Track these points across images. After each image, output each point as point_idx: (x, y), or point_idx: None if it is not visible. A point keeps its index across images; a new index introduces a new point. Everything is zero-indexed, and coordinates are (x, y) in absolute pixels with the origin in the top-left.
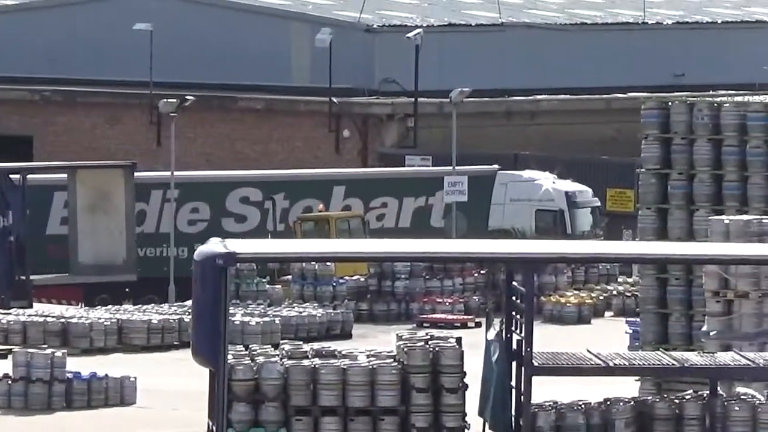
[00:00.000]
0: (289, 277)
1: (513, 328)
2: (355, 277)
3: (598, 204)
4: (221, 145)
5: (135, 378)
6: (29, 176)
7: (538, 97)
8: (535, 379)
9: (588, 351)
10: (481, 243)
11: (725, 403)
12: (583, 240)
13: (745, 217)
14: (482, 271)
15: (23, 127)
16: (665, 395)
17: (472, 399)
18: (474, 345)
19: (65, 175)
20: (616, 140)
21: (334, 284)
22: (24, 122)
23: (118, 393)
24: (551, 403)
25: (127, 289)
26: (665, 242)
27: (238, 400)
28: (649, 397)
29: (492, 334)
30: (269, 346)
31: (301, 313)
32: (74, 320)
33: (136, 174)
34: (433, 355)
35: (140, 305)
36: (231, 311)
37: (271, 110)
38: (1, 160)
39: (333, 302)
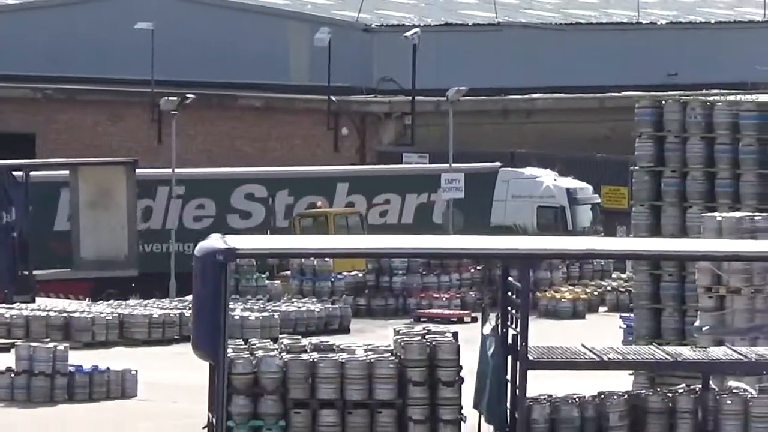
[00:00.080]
0: (288, 272)
1: (509, 323)
2: (353, 273)
3: (598, 201)
4: (221, 143)
5: (136, 371)
6: (37, 173)
7: (534, 95)
8: (530, 373)
9: (582, 345)
10: (477, 239)
11: (717, 397)
12: (584, 236)
13: (737, 214)
14: (479, 267)
15: (26, 125)
16: (658, 389)
17: (468, 392)
18: (470, 340)
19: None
20: (611, 138)
21: (333, 280)
22: (27, 120)
23: (119, 386)
24: (546, 396)
25: (133, 284)
26: (659, 239)
27: (238, 393)
28: (643, 391)
29: (488, 329)
30: (268, 340)
31: (299, 308)
32: (76, 314)
33: (143, 171)
34: (430, 350)
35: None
36: (231, 306)
37: (270, 108)
38: (4, 158)
39: (331, 297)
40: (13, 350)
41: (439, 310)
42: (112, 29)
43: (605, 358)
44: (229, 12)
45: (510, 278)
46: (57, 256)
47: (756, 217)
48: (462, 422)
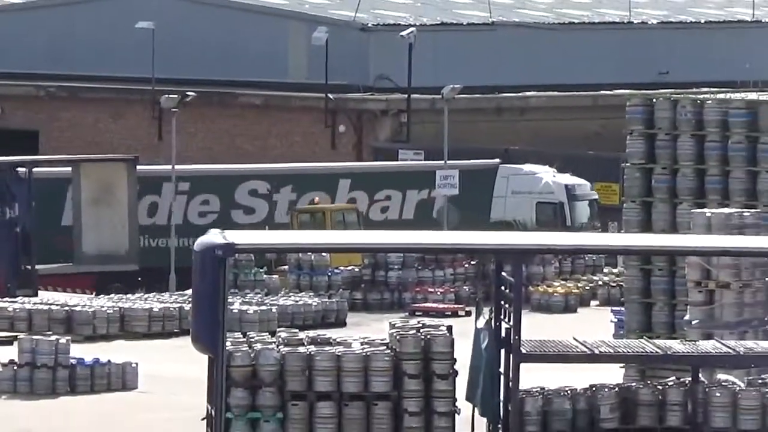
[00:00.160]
0: (286, 267)
1: (502, 317)
2: (349, 268)
3: (596, 197)
4: (221, 140)
5: (137, 364)
6: (44, 170)
7: (528, 93)
8: (523, 366)
9: (574, 339)
10: (471, 234)
11: (707, 390)
12: (582, 231)
13: (726, 210)
14: (472, 262)
15: (29, 122)
16: (649, 382)
17: (462, 385)
18: (464, 333)
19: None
20: (603, 136)
21: (329, 274)
22: (29, 117)
23: (120, 378)
24: (539, 389)
25: (140, 278)
26: (649, 234)
27: (236, 385)
28: (633, 384)
29: (481, 323)
30: (266, 333)
31: (297, 302)
32: (78, 308)
33: (149, 167)
34: (425, 343)
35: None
36: (229, 300)
37: (269, 106)
38: (7, 154)
39: (328, 291)
40: (15, 343)
41: (434, 304)
42: (113, 28)
43: (597, 352)
44: (229, 11)
45: (503, 273)
46: (64, 251)
47: (744, 213)
48: (456, 414)
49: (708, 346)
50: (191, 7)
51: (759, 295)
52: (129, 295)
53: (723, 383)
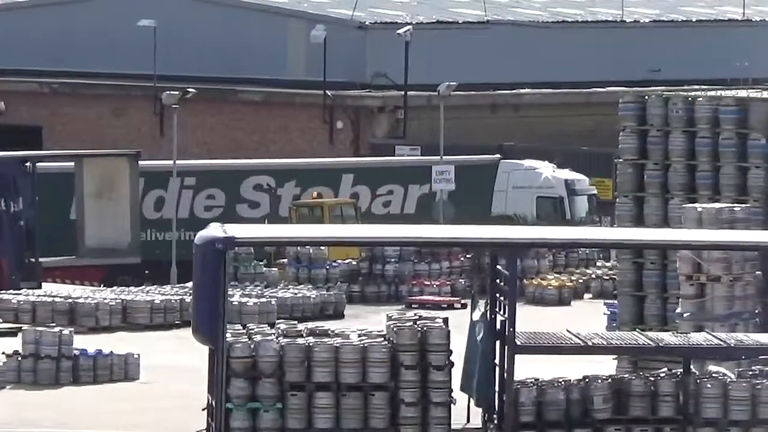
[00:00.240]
0: (285, 260)
1: (497, 309)
2: (347, 261)
3: (595, 192)
4: (221, 135)
5: (138, 355)
6: (51, 164)
7: (522, 90)
8: (517, 358)
9: (568, 331)
10: (467, 228)
11: (698, 381)
12: (581, 225)
13: (717, 205)
14: (468, 256)
15: (33, 118)
16: (641, 373)
17: (458, 376)
18: (460, 325)
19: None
20: (596, 132)
21: (328, 267)
22: (34, 113)
23: (122, 369)
24: (533, 380)
25: (147, 271)
26: (642, 228)
27: (236, 376)
28: (626, 375)
29: (477, 315)
30: (266, 325)
31: (296, 294)
32: (81, 300)
33: (155, 162)
34: (421, 335)
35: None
36: (229, 292)
37: (268, 102)
38: (11, 149)
39: (326, 284)
40: (20, 334)
41: (430, 297)
42: (115, 26)
43: (590, 343)
44: (230, 10)
45: (498, 266)
46: (72, 244)
47: (735, 208)
48: (452, 404)
49: (699, 338)
50: (192, 5)
51: (749, 288)
52: (131, 288)
53: (714, 374)
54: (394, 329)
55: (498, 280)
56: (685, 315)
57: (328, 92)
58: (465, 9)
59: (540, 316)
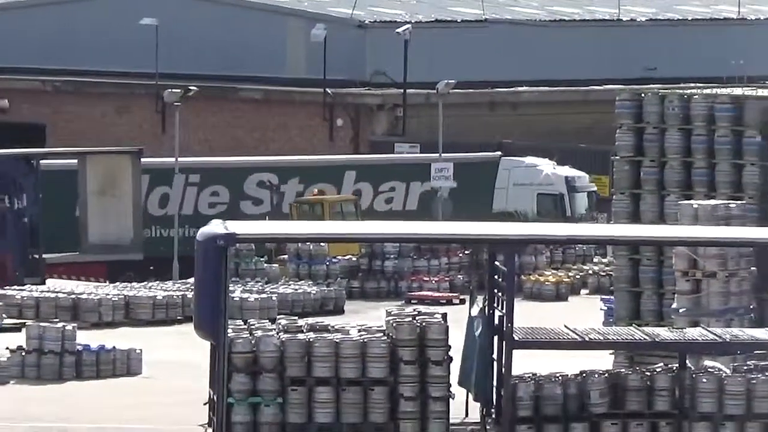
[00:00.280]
0: (286, 256)
1: (495, 305)
2: (347, 257)
3: (594, 189)
4: (222, 133)
5: (141, 350)
6: (58, 162)
7: (520, 88)
8: (515, 353)
9: (565, 326)
10: (465, 225)
11: (694, 376)
12: (581, 222)
13: (712, 201)
14: (467, 252)
15: (36, 116)
16: (637, 368)
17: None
18: (458, 321)
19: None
20: (593, 129)
21: (328, 263)
22: (37, 111)
23: (124, 364)
24: (531, 374)
25: (151, 267)
26: (638, 225)
27: (238, 371)
28: (622, 370)
29: (475, 311)
30: (267, 320)
31: (296, 290)
32: (84, 296)
33: (161, 160)
34: (420, 330)
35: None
36: (231, 288)
37: (269, 100)
38: (15, 147)
39: (326, 280)
40: (24, 330)
41: (429, 293)
42: (118, 25)
43: (587, 339)
44: (230, 9)
45: (496, 262)
46: (76, 240)
47: (730, 205)
48: (450, 399)
49: (695, 333)
50: (194, 4)
51: (744, 284)
52: (134, 283)
53: (709, 369)
54: (394, 325)
55: (496, 276)
56: (680, 310)
57: (328, 90)
58: (463, 8)
59: (537, 311)
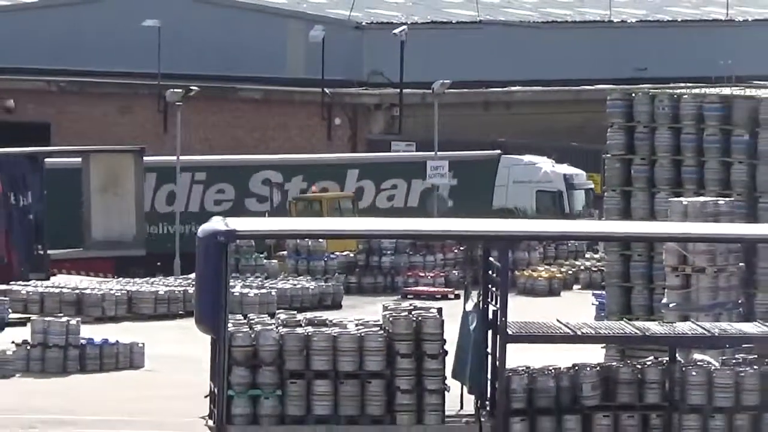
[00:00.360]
0: (285, 252)
1: (489, 300)
2: (344, 253)
3: (592, 186)
4: (223, 132)
5: (143, 344)
6: (66, 160)
7: (513, 88)
8: (509, 346)
9: (558, 321)
10: (460, 221)
11: (683, 369)
12: (579, 218)
13: (701, 198)
14: (461, 248)
15: (41, 115)
16: (628, 361)
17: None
18: (453, 315)
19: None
20: (585, 128)
21: (326, 259)
22: (42, 110)
23: (127, 358)
24: (524, 368)
25: (159, 263)
26: (629, 221)
27: (238, 364)
28: (614, 363)
29: (470, 305)
30: (266, 315)
31: (295, 285)
32: (88, 291)
33: (167, 158)
34: (416, 324)
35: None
36: (231, 283)
37: (268, 100)
38: (20, 146)
39: (324, 275)
40: (29, 324)
41: (425, 288)
42: (121, 26)
43: (579, 333)
44: (231, 10)
45: (490, 258)
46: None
47: (719, 202)
48: (446, 392)
49: (684, 327)
50: (196, 6)
51: (732, 279)
52: (136, 279)
53: (699, 363)
54: (390, 319)
55: (490, 272)
56: (670, 305)
57: (327, 90)
58: (458, 9)
59: (531, 306)
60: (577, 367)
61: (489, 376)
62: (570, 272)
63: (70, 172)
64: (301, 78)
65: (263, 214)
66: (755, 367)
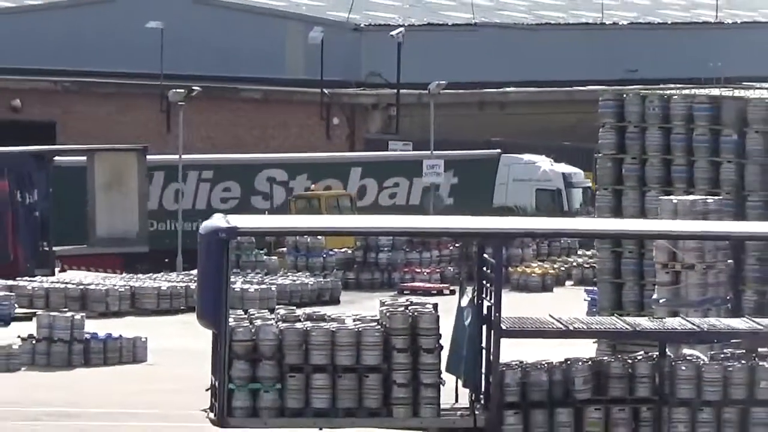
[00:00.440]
0: (285, 249)
1: (484, 296)
2: (343, 250)
3: (589, 184)
4: (224, 131)
5: (146, 338)
6: (74, 158)
7: (508, 89)
8: (503, 341)
9: (550, 316)
10: (455, 219)
11: (673, 363)
12: (577, 216)
13: (691, 197)
14: (457, 245)
15: (46, 115)
16: (619, 356)
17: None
18: (449, 310)
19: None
20: (577, 128)
21: (324, 256)
22: (47, 110)
23: (130, 352)
24: (518, 362)
25: (166, 260)
26: (620, 219)
27: (238, 358)
28: (605, 358)
29: (465, 301)
30: (266, 310)
31: (294, 281)
32: (92, 287)
33: (173, 157)
34: (412, 319)
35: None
36: (232, 279)
37: (268, 100)
38: (27, 144)
39: (323, 272)
40: (34, 319)
41: (421, 284)
42: (125, 28)
43: (571, 328)
44: (232, 13)
45: (485, 255)
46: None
47: (708, 200)
48: (441, 385)
49: (674, 322)
50: (197, 8)
51: (721, 275)
52: (140, 275)
53: (688, 357)
54: (387, 314)
55: (485, 268)
56: (661, 301)
57: (325, 90)
58: (454, 12)
59: (524, 302)
60: (569, 362)
61: (483, 370)
62: (563, 269)
63: (75, 171)
64: (300, 78)
65: (268, 212)
66: (743, 361)
